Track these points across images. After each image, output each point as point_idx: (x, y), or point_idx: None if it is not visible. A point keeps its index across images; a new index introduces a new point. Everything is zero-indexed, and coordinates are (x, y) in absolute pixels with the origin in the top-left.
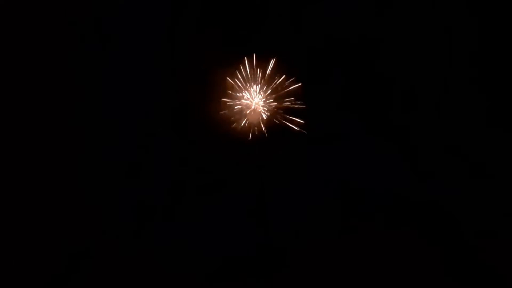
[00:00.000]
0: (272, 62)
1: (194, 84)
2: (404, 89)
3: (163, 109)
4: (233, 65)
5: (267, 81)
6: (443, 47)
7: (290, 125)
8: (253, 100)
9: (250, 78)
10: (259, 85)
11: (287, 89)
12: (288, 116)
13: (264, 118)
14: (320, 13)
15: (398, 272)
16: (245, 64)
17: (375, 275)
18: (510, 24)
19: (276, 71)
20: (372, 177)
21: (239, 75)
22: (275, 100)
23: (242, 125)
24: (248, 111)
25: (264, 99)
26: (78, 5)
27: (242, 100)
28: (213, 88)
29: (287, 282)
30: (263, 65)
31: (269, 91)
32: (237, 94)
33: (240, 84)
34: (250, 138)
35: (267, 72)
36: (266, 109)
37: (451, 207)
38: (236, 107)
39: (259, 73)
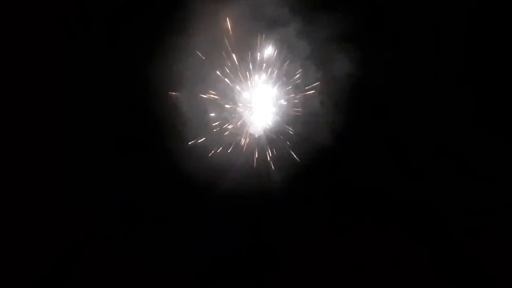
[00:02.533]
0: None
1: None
2: (393, 89)
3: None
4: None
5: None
6: (432, 47)
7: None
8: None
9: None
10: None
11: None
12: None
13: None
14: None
15: (387, 270)
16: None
17: (366, 273)
18: (498, 24)
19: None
20: (362, 176)
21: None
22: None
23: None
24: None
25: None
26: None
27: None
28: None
29: (278, 282)
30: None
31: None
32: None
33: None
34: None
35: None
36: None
37: (439, 205)
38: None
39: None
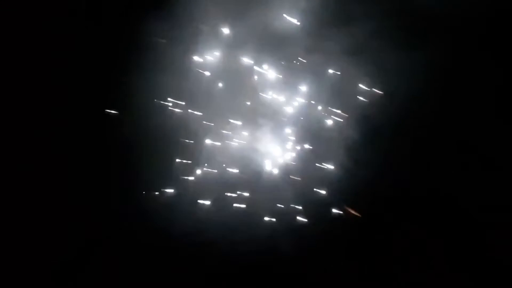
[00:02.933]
0: None
1: None
2: (410, 83)
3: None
4: None
5: None
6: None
7: None
8: None
9: None
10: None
11: None
12: None
13: None
14: None
15: (401, 264)
16: None
17: (378, 267)
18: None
19: None
20: (375, 169)
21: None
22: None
23: None
24: None
25: None
26: None
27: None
28: None
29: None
30: None
31: None
32: None
33: None
34: None
35: None
36: None
37: (462, 201)
38: None
39: None
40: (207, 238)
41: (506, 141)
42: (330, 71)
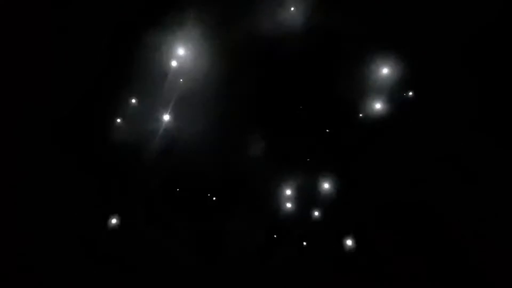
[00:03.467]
0: None
1: None
2: (398, 96)
3: None
4: None
5: None
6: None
7: None
8: None
9: None
10: None
11: None
12: None
13: None
14: None
15: (388, 274)
16: None
17: (366, 274)
18: (498, 30)
19: None
20: (363, 180)
21: None
22: None
23: None
24: None
25: None
26: None
27: None
28: None
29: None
30: None
31: None
32: None
33: None
34: None
35: None
36: None
37: (440, 210)
38: None
39: None
40: None
41: (486, 154)
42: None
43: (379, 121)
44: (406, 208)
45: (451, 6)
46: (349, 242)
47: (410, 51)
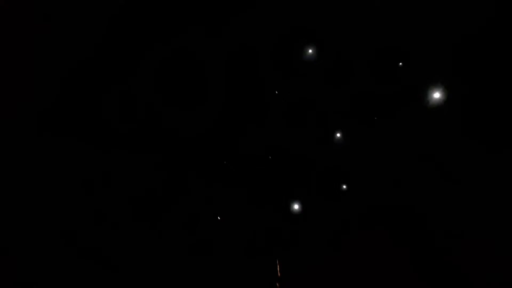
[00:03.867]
0: None
1: None
2: (382, 94)
3: None
4: None
5: None
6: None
7: None
8: None
9: None
10: None
11: None
12: None
13: None
14: None
15: (371, 275)
16: None
17: (349, 278)
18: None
19: None
20: (349, 180)
21: None
22: None
23: None
24: None
25: None
26: None
27: None
28: None
29: None
30: None
31: None
32: None
33: None
34: None
35: None
36: None
37: (422, 210)
38: None
39: None
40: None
41: (468, 155)
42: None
43: (364, 121)
44: (390, 210)
45: (444, 6)
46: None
47: (402, 52)
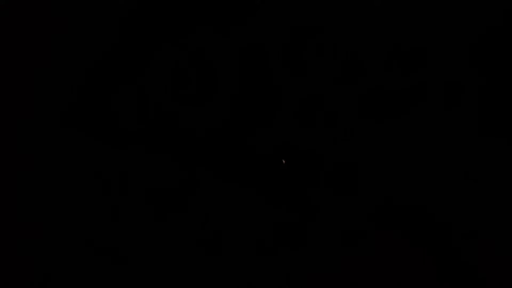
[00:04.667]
0: None
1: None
2: (394, 91)
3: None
4: None
5: None
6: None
7: None
8: None
9: None
10: None
11: None
12: None
13: None
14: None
15: (385, 275)
16: None
17: (363, 277)
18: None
19: None
20: (360, 180)
21: None
22: None
23: None
24: None
25: None
26: None
27: None
28: None
29: None
30: None
31: None
32: None
33: None
34: None
35: None
36: None
37: (437, 210)
38: None
39: None
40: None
41: (485, 154)
42: None
43: (377, 119)
44: (404, 209)
45: (458, 5)
46: None
47: (414, 51)
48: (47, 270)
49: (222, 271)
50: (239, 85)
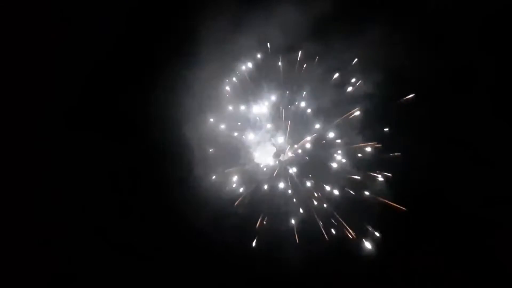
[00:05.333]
0: None
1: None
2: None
3: None
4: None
5: None
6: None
7: None
8: None
9: None
10: None
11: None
12: None
13: None
14: None
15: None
16: None
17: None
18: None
19: None
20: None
21: None
22: None
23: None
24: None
25: None
26: None
27: None
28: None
29: None
30: None
31: None
32: None
33: None
34: None
35: None
36: None
37: (453, 197)
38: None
39: None
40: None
41: (501, 139)
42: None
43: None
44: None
45: None
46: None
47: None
48: (62, 262)
49: (231, 267)
50: (243, 89)
